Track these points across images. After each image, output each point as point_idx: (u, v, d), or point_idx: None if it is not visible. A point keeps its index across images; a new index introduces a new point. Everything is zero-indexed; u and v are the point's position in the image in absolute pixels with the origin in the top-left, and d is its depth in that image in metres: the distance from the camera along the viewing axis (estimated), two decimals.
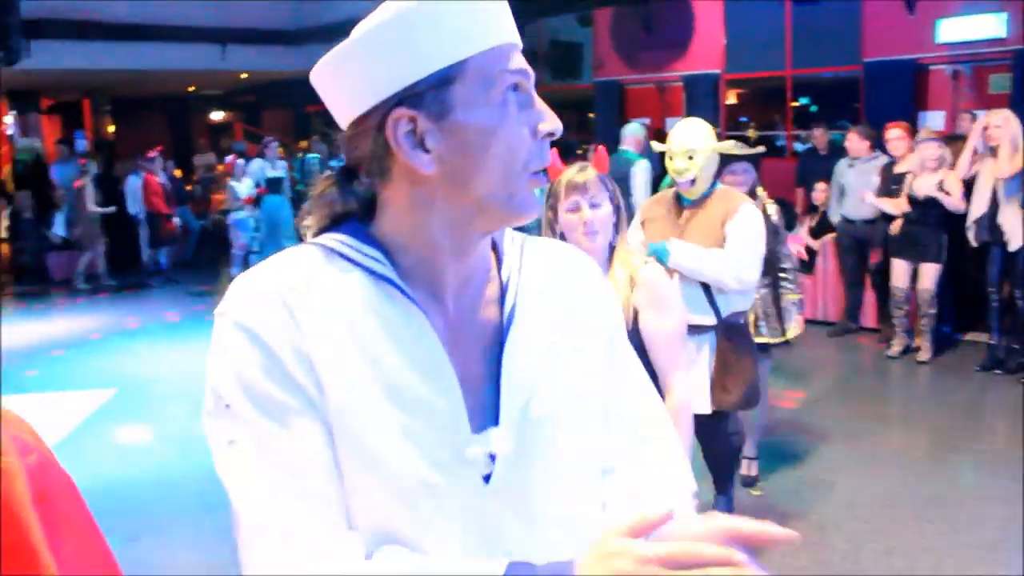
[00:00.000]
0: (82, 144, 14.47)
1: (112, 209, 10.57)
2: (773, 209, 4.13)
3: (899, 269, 6.23)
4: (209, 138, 16.29)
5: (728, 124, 10.25)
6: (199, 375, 0.96)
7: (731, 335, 3.36)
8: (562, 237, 2.33)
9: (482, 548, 0.92)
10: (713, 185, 3.38)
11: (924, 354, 6.26)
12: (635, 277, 2.32)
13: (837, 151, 7.55)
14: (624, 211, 2.39)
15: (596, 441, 1.03)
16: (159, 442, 5.26)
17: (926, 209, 5.99)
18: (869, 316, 7.11)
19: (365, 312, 0.91)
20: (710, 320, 3.33)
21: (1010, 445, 4.78)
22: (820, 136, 8.05)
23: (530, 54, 11.80)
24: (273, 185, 10.04)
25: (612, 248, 2.37)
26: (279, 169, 10.21)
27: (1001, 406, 5.46)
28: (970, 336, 6.72)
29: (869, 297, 7.04)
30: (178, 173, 12.15)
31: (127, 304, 9.69)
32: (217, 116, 18.45)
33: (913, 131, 6.58)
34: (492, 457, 0.94)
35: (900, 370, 6.27)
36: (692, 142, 3.29)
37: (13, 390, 6.15)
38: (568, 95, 12.14)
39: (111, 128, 15.53)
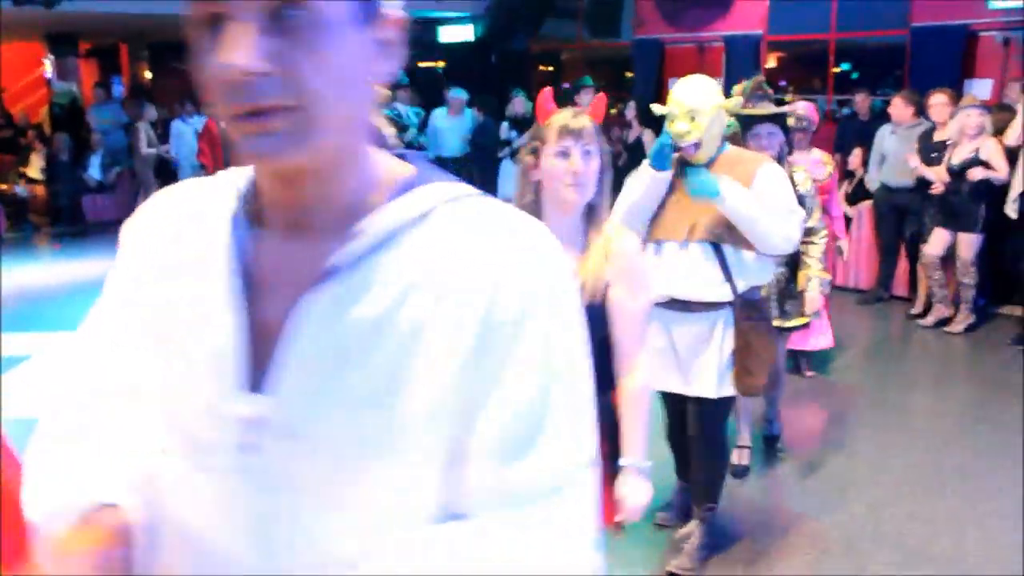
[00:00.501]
0: (119, 89, 14.54)
1: (167, 150, 10.59)
2: (801, 178, 3.82)
3: (937, 238, 6.12)
4: None
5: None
6: None
7: (750, 312, 3.09)
8: (537, 188, 2.16)
9: (239, 522, 0.82)
10: (721, 148, 3.02)
11: (957, 325, 6.18)
12: (609, 248, 2.12)
13: (877, 117, 7.40)
14: (610, 172, 2.16)
15: (413, 466, 0.81)
16: None
17: (965, 178, 5.87)
18: (900, 285, 7.01)
19: (204, 242, 0.87)
20: (727, 295, 3.03)
21: None
22: (862, 101, 7.90)
23: (570, 11, 11.69)
24: None
25: (591, 208, 2.15)
26: None
27: None
28: (1005, 309, 6.60)
29: (902, 266, 6.93)
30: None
31: None
32: None
33: (957, 98, 6.41)
34: (262, 425, 0.80)
35: (931, 340, 6.19)
36: (694, 100, 2.89)
37: (52, 327, 6.26)
38: (607, 53, 11.96)
39: (147, 74, 15.58)
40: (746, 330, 3.06)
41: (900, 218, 6.73)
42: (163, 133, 11.72)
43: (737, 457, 4.05)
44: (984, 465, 4.17)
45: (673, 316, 3.09)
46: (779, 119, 3.75)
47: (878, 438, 4.48)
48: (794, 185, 3.52)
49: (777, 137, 3.70)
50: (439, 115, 9.15)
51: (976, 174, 5.82)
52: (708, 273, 3.01)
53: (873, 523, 3.61)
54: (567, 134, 2.09)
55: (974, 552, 3.39)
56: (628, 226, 2.78)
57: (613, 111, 9.27)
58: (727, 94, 3.21)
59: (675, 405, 3.32)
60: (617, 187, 2.87)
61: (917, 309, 6.57)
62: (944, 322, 6.26)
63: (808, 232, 3.74)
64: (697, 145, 2.93)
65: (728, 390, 3.10)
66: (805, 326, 4.12)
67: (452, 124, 9.13)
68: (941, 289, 6.24)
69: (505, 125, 8.67)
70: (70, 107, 12.71)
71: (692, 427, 3.24)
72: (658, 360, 3.00)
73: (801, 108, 4.80)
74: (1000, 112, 6.59)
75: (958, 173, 5.88)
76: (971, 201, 5.94)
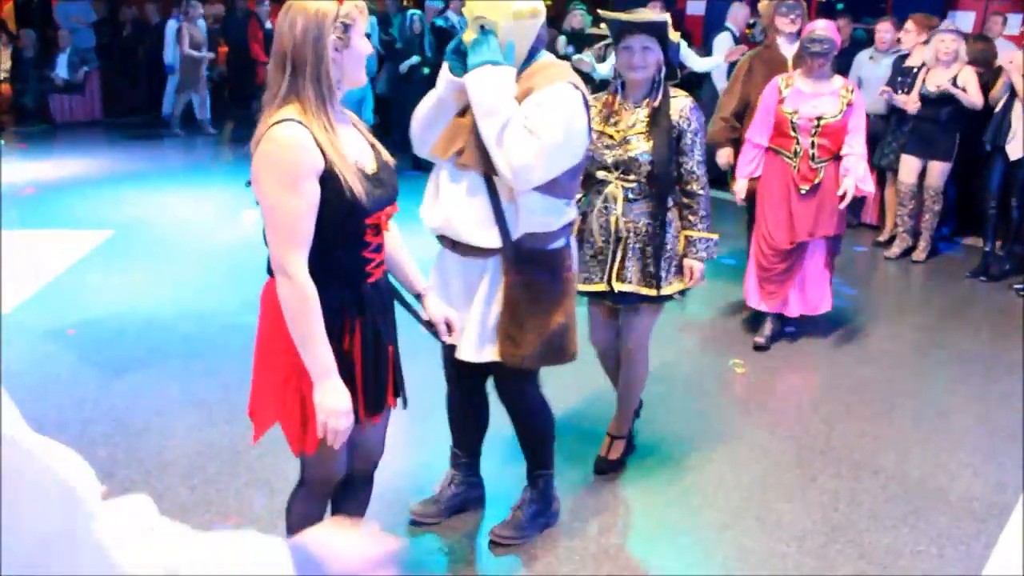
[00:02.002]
0: None
1: (210, 55, 10.38)
2: (682, 105, 3.08)
3: (909, 165, 6.17)
4: None
5: (754, 13, 9.94)
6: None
7: (529, 267, 2.60)
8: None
9: None
10: (533, 58, 2.55)
11: (921, 254, 6.29)
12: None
13: (855, 45, 7.36)
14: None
15: None
16: (154, 284, 5.33)
17: (939, 106, 5.90)
18: (870, 213, 7.09)
19: None
20: (494, 241, 2.56)
21: (984, 347, 4.87)
22: (843, 28, 7.82)
23: None
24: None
25: None
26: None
27: (985, 311, 5.52)
28: (969, 240, 6.73)
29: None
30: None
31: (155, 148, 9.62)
32: None
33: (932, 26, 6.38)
34: None
35: (892, 267, 6.31)
36: (482, 7, 2.47)
37: (16, 226, 6.20)
38: None
39: None
40: (515, 287, 2.61)
41: (873, 145, 6.77)
42: (133, 34, 11.40)
43: (605, 448, 3.44)
44: (933, 388, 4.33)
45: (446, 256, 2.72)
46: (655, 29, 3.02)
47: (833, 358, 4.62)
48: (667, 116, 3.03)
49: (654, 54, 3.02)
50: None
51: (953, 96, 5.83)
52: (476, 210, 2.55)
53: (824, 438, 3.75)
54: None
55: (918, 467, 3.54)
56: (420, 140, 2.62)
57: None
58: None
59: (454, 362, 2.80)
60: None
61: (884, 237, 6.67)
62: (908, 251, 6.37)
63: (687, 179, 3.13)
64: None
65: (490, 355, 2.67)
66: (681, 294, 3.26)
67: None
68: (910, 219, 6.32)
69: (563, 39, 8.20)
70: (38, 3, 12.29)
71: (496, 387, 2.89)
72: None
73: (821, 28, 4.43)
74: (979, 42, 6.60)
75: (933, 100, 5.91)
76: (945, 129, 5.99)
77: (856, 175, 4.29)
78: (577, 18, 8.31)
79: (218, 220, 6.80)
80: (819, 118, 4.39)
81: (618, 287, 3.15)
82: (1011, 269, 5.93)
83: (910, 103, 6.01)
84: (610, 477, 3.37)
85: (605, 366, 3.51)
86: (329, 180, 1.95)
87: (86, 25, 11.27)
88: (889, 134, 6.42)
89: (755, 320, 4.87)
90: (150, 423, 3.65)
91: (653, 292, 3.15)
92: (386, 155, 2.17)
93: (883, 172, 6.60)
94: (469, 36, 2.48)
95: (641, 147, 3.06)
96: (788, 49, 5.03)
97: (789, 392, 4.20)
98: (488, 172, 2.51)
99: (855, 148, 4.36)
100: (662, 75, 3.07)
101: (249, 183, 1.98)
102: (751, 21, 7.51)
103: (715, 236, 3.21)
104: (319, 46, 1.94)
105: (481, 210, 2.55)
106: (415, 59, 8.75)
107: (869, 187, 4.48)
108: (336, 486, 2.31)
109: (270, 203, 1.93)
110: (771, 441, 3.73)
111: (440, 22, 8.95)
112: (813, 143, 4.42)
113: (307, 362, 1.98)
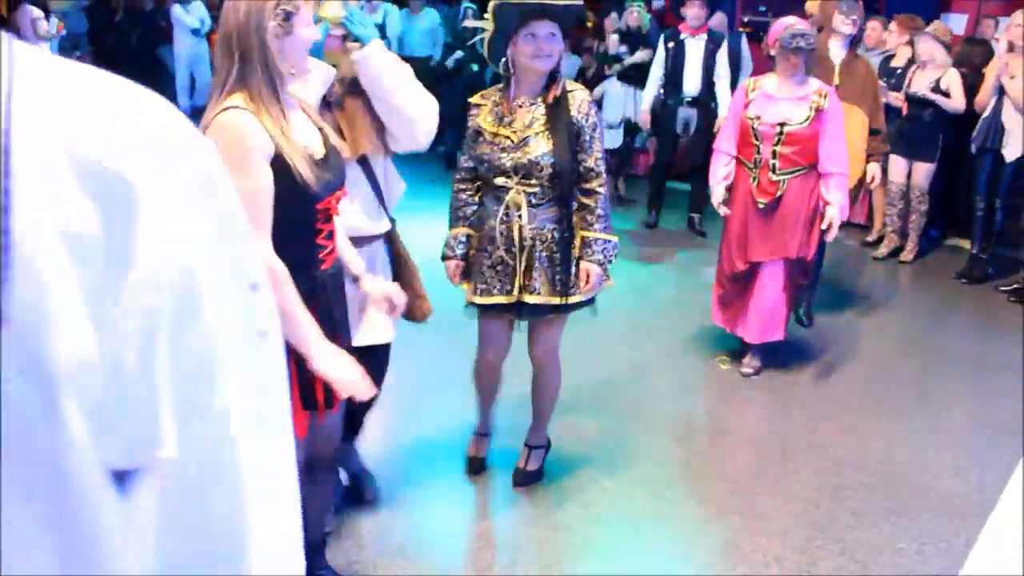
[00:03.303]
0: None
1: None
2: (580, 99, 2.89)
3: (896, 165, 6.20)
4: None
5: (744, 10, 9.97)
6: None
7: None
8: None
9: None
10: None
11: (909, 255, 6.33)
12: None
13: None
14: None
15: None
16: None
17: (923, 107, 5.93)
18: (859, 212, 7.12)
19: None
20: (382, 226, 2.62)
21: (969, 347, 4.92)
22: None
23: None
24: None
25: None
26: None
27: (969, 312, 5.55)
28: (954, 241, 6.77)
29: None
30: None
31: None
32: None
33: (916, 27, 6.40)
34: None
35: (880, 267, 6.35)
36: None
37: None
38: None
39: None
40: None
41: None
42: (126, 20, 11.35)
43: (523, 459, 3.31)
44: (918, 387, 4.36)
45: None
46: (561, 16, 2.81)
47: (819, 355, 4.65)
48: (565, 106, 2.87)
49: (558, 42, 2.82)
50: (399, 16, 8.86)
51: (938, 101, 5.86)
52: (360, 194, 2.54)
53: (808, 434, 3.78)
54: None
55: (902, 464, 3.57)
56: None
57: (590, 24, 9.09)
58: None
59: None
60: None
61: (872, 237, 6.71)
62: (896, 251, 6.41)
63: (586, 177, 2.92)
64: (345, 37, 2.48)
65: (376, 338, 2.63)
66: (589, 303, 3.07)
67: (413, 24, 8.90)
68: (899, 219, 6.36)
69: (615, 39, 7.56)
70: None
71: None
72: None
73: (799, 22, 4.09)
74: (971, 45, 6.64)
75: (918, 101, 5.94)
76: (929, 130, 6.02)
77: (839, 202, 3.93)
78: (634, 16, 7.47)
79: None
80: (782, 124, 3.94)
81: (528, 299, 2.95)
82: (994, 272, 5.98)
83: (901, 101, 6.04)
84: (597, 469, 3.39)
85: (488, 380, 3.25)
86: (278, 166, 1.94)
87: (77, 8, 11.20)
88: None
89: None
90: None
91: (562, 301, 2.96)
92: (334, 138, 2.18)
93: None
94: (335, 11, 2.41)
95: (541, 148, 2.83)
96: (837, 54, 4.69)
97: (775, 388, 4.22)
98: (364, 154, 2.51)
99: (836, 165, 3.94)
100: (561, 66, 2.89)
101: None
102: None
103: (614, 238, 2.97)
104: (261, 32, 1.93)
105: (367, 194, 2.56)
106: (460, 54, 8.20)
107: (845, 212, 4.04)
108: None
109: None
110: (756, 436, 3.76)
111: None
112: (775, 152, 3.97)
113: (294, 339, 1.94)
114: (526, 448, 3.32)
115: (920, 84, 5.91)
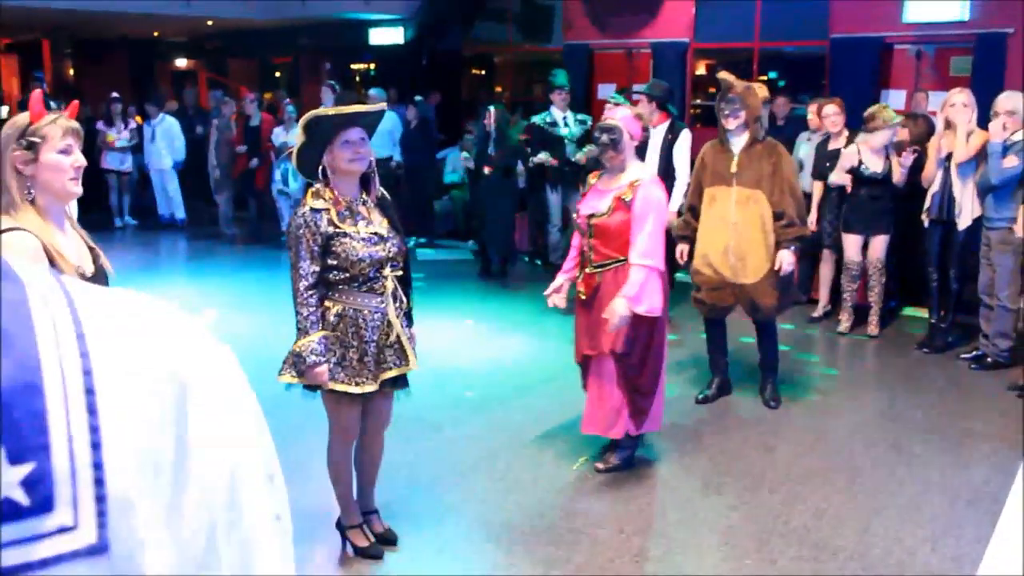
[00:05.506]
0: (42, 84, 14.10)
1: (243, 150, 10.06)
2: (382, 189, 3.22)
3: (851, 242, 6.34)
4: (172, 85, 15.95)
5: (695, 94, 10.30)
6: None
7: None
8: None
9: None
10: None
11: (873, 328, 6.39)
12: None
13: (793, 122, 7.62)
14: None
15: None
16: None
17: (876, 184, 6.11)
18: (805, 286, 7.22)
19: None
20: None
21: (937, 418, 4.96)
22: (782, 105, 7.95)
23: (501, 15, 11.76)
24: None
25: None
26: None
27: (932, 382, 5.61)
28: (913, 311, 6.89)
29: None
30: (139, 120, 11.85)
31: None
32: (181, 63, 18.04)
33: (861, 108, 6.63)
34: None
35: (843, 342, 6.42)
36: None
37: None
38: (538, 56, 12.07)
39: (71, 71, 15.15)
40: None
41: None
42: (89, 132, 11.42)
43: (374, 524, 3.47)
44: (889, 462, 4.37)
45: None
46: (366, 121, 3.07)
47: (790, 437, 4.66)
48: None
49: (367, 145, 3.07)
50: None
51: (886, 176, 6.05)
52: None
53: (783, 519, 3.76)
54: (68, 134, 2.26)
55: (877, 544, 3.56)
56: None
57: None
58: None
59: None
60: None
61: (818, 312, 6.79)
62: (854, 325, 6.48)
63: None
64: None
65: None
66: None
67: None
68: (854, 293, 6.47)
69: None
70: None
71: None
72: None
73: (614, 116, 4.03)
74: (920, 121, 6.90)
75: (867, 179, 6.11)
76: (883, 204, 6.18)
77: (625, 293, 3.77)
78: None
79: None
80: (590, 216, 3.93)
81: (388, 375, 3.19)
82: (954, 340, 6.08)
83: (845, 180, 6.20)
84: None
85: (345, 460, 3.35)
86: None
87: None
88: (829, 212, 6.61)
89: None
90: None
91: (412, 366, 3.26)
92: (103, 259, 2.36)
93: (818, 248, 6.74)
94: None
95: (394, 235, 3.17)
96: (737, 143, 4.72)
97: (746, 473, 4.21)
98: None
99: (636, 255, 3.80)
100: (372, 166, 3.12)
101: None
102: None
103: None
104: (2, 159, 2.18)
105: None
106: (467, 155, 8.34)
107: (644, 306, 3.79)
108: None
109: None
110: (730, 524, 3.73)
111: (539, 120, 8.01)
112: (591, 245, 3.94)
113: None
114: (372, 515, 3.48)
115: (871, 162, 6.09)
